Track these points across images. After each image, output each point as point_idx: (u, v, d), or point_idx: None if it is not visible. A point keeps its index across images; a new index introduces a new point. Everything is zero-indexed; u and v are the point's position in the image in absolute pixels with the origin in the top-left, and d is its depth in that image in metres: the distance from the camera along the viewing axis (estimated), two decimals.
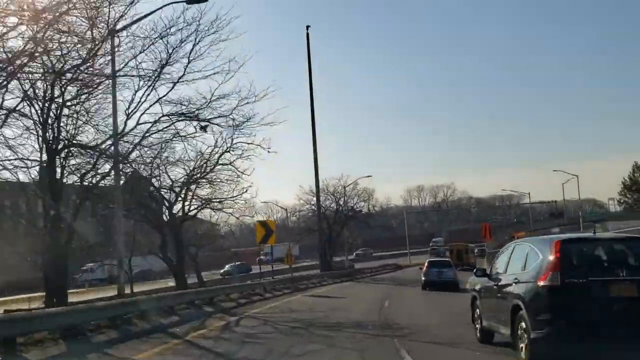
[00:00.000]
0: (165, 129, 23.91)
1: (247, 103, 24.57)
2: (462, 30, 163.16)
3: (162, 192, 29.70)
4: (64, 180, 20.63)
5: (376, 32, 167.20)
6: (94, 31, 15.83)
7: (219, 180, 28.97)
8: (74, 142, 20.49)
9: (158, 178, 28.46)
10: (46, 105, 19.40)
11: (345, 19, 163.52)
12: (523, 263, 8.86)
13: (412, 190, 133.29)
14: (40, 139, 19.71)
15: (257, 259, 70.07)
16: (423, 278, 30.44)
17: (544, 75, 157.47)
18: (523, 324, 8.30)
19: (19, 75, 15.73)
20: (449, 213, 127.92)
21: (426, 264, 32.02)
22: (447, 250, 59.79)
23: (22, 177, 20.42)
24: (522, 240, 10.07)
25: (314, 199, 53.58)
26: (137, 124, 22.39)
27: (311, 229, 58.04)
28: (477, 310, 11.08)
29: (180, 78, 22.29)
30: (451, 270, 30.85)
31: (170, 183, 29.03)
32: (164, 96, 22.79)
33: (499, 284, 9.66)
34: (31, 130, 19.54)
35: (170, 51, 21.53)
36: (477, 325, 11.09)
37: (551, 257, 8.02)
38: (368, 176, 62.89)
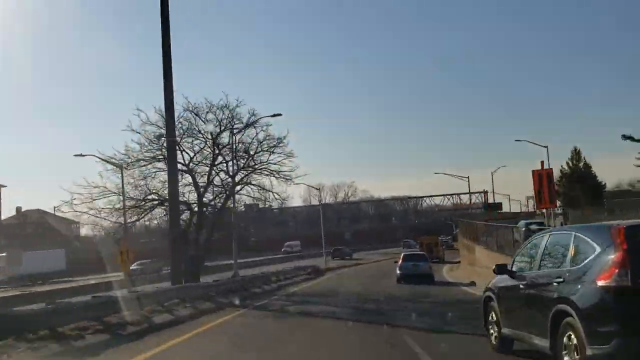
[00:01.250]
0: None
1: None
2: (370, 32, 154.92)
3: None
4: None
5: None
6: None
7: None
8: None
9: None
10: None
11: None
12: (568, 257, 6.96)
13: (312, 189, 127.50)
14: None
15: None
16: (398, 271, 30.79)
17: (464, 74, 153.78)
18: (572, 335, 6.42)
19: None
20: (352, 212, 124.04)
21: (401, 257, 32.57)
22: (417, 243, 60.95)
23: None
24: (563, 229, 8.19)
25: (164, 130, 25.41)
26: None
27: (155, 196, 27.82)
28: (493, 313, 9.21)
29: None
30: (426, 263, 31.58)
31: None
32: None
33: (530, 282, 7.78)
34: None
35: None
36: (493, 332, 9.24)
37: (615, 250, 6.14)
38: (277, 114, 31.18)
